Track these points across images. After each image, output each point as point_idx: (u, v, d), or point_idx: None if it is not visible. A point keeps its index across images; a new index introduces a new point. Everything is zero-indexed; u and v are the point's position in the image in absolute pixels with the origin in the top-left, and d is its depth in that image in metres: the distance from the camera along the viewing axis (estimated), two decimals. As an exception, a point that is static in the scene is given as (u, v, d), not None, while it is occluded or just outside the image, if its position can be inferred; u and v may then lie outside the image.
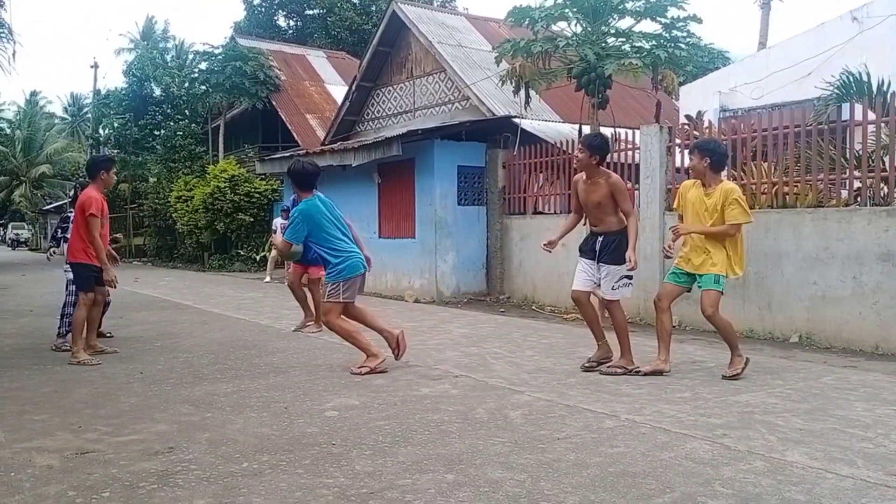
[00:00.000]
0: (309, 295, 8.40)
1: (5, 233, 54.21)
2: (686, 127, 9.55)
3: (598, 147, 5.69)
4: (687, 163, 8.68)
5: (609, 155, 5.98)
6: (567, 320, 9.06)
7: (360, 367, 5.75)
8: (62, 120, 55.86)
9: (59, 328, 7.14)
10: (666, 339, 5.71)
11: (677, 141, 8.91)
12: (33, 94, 52.44)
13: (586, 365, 5.84)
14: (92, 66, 35.81)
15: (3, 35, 18.26)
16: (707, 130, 8.94)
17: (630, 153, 9.54)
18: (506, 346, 7.06)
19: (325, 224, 5.82)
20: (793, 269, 7.40)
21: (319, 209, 5.85)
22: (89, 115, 40.92)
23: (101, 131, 32.52)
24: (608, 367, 5.72)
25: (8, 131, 46.32)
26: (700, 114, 10.83)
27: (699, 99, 12.56)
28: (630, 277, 5.71)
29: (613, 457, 3.65)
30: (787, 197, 7.69)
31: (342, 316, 5.93)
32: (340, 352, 6.80)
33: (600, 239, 5.70)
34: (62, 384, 5.51)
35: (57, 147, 48.93)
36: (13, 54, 18.49)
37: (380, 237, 12.81)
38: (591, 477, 3.37)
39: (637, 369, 5.62)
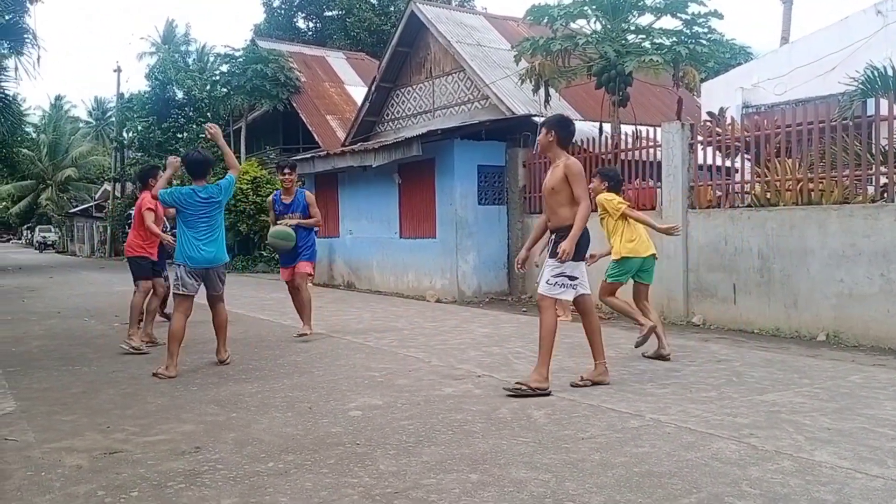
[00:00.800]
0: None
1: (32, 236, 55.07)
2: (708, 124, 9.47)
3: (553, 123, 5.17)
4: (709, 160, 8.67)
5: (572, 135, 5.25)
6: (589, 319, 9.00)
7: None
8: (87, 124, 56.60)
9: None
10: (629, 314, 6.32)
11: (699, 138, 8.83)
12: (58, 98, 53.26)
13: (578, 383, 5.24)
14: (115, 70, 36.29)
15: (27, 40, 18.54)
16: (730, 127, 8.86)
17: (652, 151, 9.47)
18: (528, 346, 7.04)
19: (188, 211, 6.04)
20: (819, 267, 7.31)
21: (193, 197, 6.05)
22: (113, 119, 41.42)
23: (125, 134, 32.93)
24: (516, 383, 5.06)
25: (34, 135, 47.05)
26: (722, 110, 10.77)
27: (721, 95, 12.47)
28: (574, 279, 5.03)
29: (639, 457, 3.63)
30: (813, 194, 7.60)
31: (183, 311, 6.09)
32: (363, 352, 6.83)
33: (553, 238, 5.14)
34: (90, 385, 5.59)
35: (82, 150, 49.64)
36: (38, 59, 18.77)
37: (401, 237, 12.84)
38: (617, 477, 3.35)
39: (545, 390, 4.95)
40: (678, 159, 8.78)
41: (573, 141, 5.86)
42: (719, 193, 8.67)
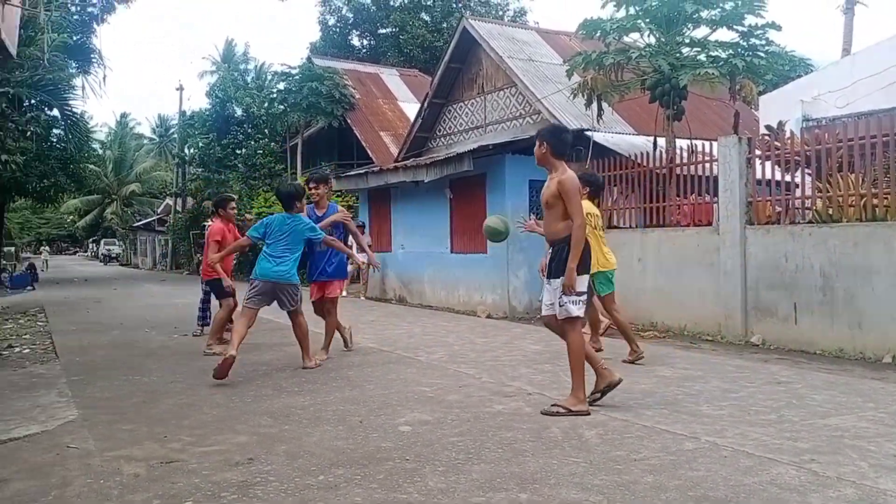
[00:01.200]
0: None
1: (98, 248, 57.08)
2: (767, 138, 9.24)
3: (544, 134, 5.16)
4: (768, 175, 8.46)
5: (566, 144, 5.18)
6: (644, 337, 8.86)
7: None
8: (150, 140, 58.62)
9: (198, 321, 9.41)
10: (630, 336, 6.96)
11: (757, 152, 8.63)
12: (123, 115, 55.38)
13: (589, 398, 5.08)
14: (177, 89, 37.55)
15: (94, 60, 19.35)
16: (789, 141, 8.64)
17: (708, 165, 9.29)
18: (580, 363, 6.95)
19: (273, 233, 6.69)
20: (885, 286, 7.03)
21: (283, 222, 6.72)
22: (175, 136, 42.77)
23: (186, 151, 33.95)
24: (552, 405, 4.97)
25: (100, 152, 48.89)
26: (781, 124, 10.49)
27: (781, 108, 12.15)
28: (581, 294, 4.89)
29: (694, 480, 3.54)
30: (877, 210, 7.33)
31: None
32: (414, 366, 6.86)
33: (550, 252, 5.11)
34: (150, 395, 5.75)
35: (146, 166, 51.44)
36: (104, 78, 19.58)
37: (451, 252, 12.87)
38: (670, 501, 3.27)
39: (584, 412, 4.85)
40: (735, 174, 8.59)
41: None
42: (779, 209, 8.44)
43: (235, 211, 8.56)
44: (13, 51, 5.79)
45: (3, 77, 9.40)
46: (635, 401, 5.30)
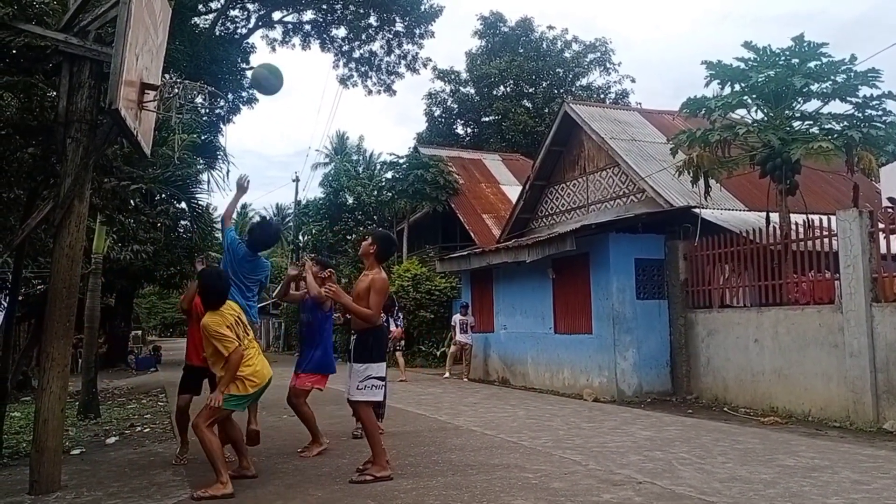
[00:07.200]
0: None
1: (216, 332, 59.72)
2: (890, 210, 8.72)
3: (378, 237, 5.85)
4: (893, 248, 7.94)
5: (390, 254, 5.99)
6: (764, 423, 8.31)
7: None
8: (268, 229, 61.87)
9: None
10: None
11: (880, 225, 8.14)
12: (244, 206, 58.83)
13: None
14: (293, 180, 39.88)
15: (219, 156, 20.94)
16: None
17: (826, 240, 8.84)
18: (694, 451, 6.58)
19: None
20: None
21: None
22: (291, 224, 45.05)
23: (300, 238, 35.62)
24: (358, 472, 5.59)
25: (221, 240, 51.91)
26: (906, 195, 9.91)
27: (904, 179, 11.48)
28: (381, 379, 5.58)
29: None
30: None
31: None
32: (518, 451, 6.69)
33: (353, 337, 5.71)
34: (259, 474, 5.86)
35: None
36: (227, 173, 21.14)
37: (555, 333, 12.67)
38: None
39: (386, 478, 5.46)
40: (857, 249, 8.12)
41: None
42: (909, 285, 7.87)
43: None
44: (148, 151, 6.37)
45: (137, 174, 10.27)
46: (755, 492, 4.94)
